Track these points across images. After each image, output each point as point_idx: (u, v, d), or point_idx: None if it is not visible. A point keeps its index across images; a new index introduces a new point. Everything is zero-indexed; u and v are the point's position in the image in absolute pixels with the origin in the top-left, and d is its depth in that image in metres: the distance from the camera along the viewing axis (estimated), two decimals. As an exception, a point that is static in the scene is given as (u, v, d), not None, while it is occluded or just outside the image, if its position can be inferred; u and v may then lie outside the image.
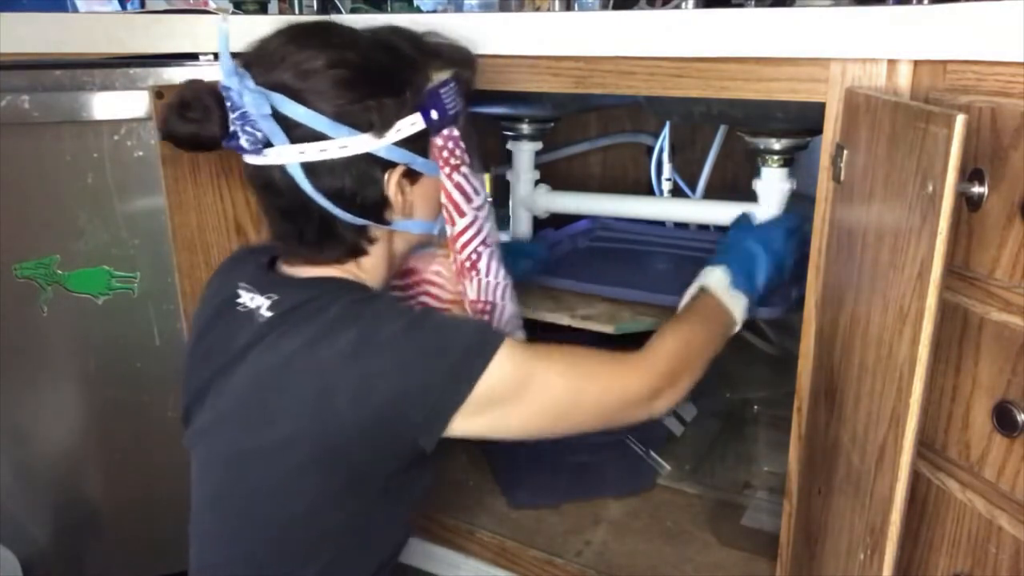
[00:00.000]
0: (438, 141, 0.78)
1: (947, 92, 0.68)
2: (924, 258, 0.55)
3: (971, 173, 0.62)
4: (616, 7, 1.02)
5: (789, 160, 1.05)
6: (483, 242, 0.86)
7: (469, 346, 0.70)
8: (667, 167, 1.35)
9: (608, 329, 1.01)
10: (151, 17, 1.11)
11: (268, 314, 0.74)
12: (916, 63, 0.71)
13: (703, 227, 1.35)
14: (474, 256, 0.85)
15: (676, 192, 1.38)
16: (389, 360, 0.69)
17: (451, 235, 0.83)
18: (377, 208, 0.77)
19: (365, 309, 0.72)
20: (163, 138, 0.75)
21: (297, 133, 0.71)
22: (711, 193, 1.36)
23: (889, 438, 0.60)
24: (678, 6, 0.97)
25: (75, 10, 1.41)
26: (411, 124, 0.75)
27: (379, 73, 0.74)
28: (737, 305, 0.89)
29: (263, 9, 1.25)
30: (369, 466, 0.72)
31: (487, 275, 0.87)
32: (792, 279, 0.97)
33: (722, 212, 1.14)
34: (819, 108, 0.77)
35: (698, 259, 1.23)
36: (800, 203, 1.06)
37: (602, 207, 1.23)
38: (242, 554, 0.75)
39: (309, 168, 0.72)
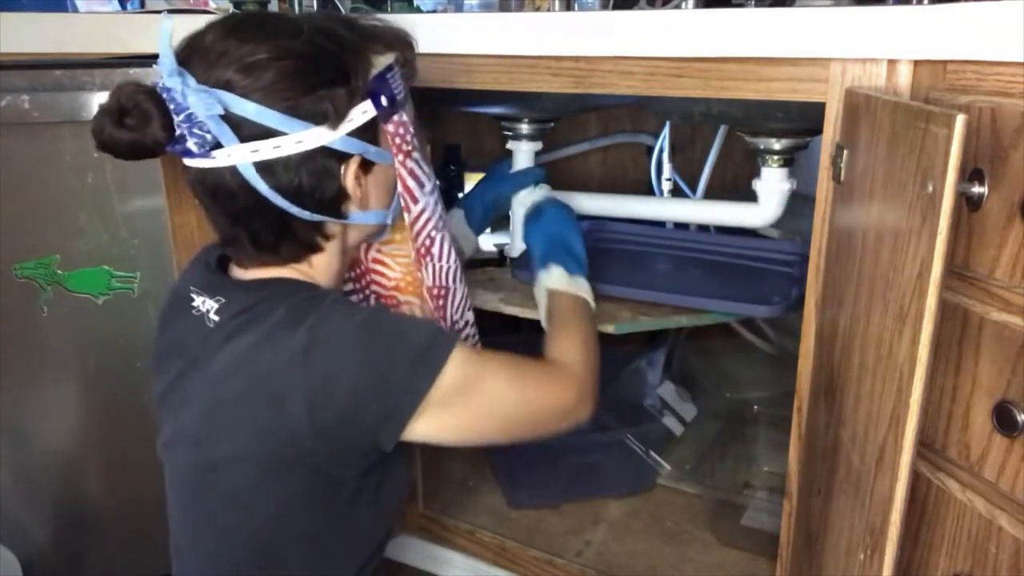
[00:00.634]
0: (389, 128, 0.75)
1: (947, 92, 0.68)
2: (924, 258, 0.55)
3: (971, 173, 0.62)
4: (616, 7, 1.02)
5: (789, 160, 1.05)
6: (435, 227, 0.85)
7: (425, 346, 0.69)
8: (667, 167, 1.35)
9: (609, 329, 1.01)
10: (151, 17, 1.11)
11: (216, 318, 0.72)
12: (916, 63, 0.71)
13: (703, 227, 1.35)
14: (427, 242, 0.85)
15: (676, 192, 1.37)
16: (342, 361, 0.67)
17: (407, 222, 0.82)
18: (335, 202, 0.74)
19: (312, 310, 0.69)
20: (99, 149, 0.68)
21: (247, 131, 0.68)
22: (711, 193, 1.36)
23: (889, 438, 0.60)
24: (678, 6, 0.97)
25: (75, 10, 1.41)
26: (362, 112, 0.72)
27: (327, 61, 0.71)
28: (584, 288, 0.97)
29: (260, 8, 1.25)
30: (333, 468, 0.70)
31: (439, 259, 0.87)
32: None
33: (722, 212, 1.14)
34: (819, 108, 0.77)
35: (698, 259, 1.24)
36: (798, 203, 1.06)
37: (602, 207, 1.22)
38: (218, 565, 0.74)
39: (263, 167, 0.69)
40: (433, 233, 0.85)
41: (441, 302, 0.89)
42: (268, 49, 0.68)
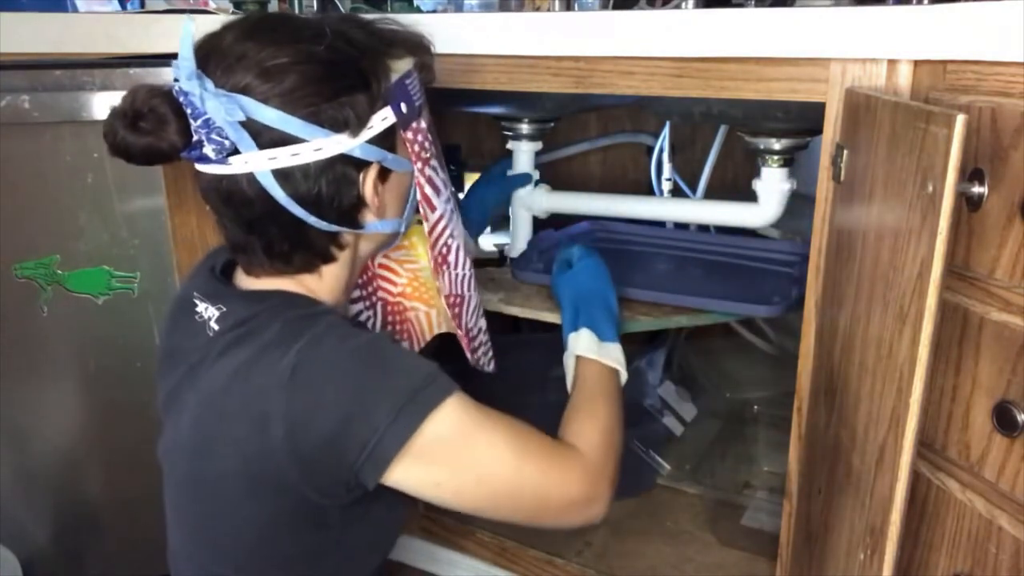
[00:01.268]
0: (407, 135, 0.73)
1: (947, 92, 0.68)
2: (924, 258, 0.55)
3: (971, 173, 0.62)
4: (616, 7, 1.02)
5: (789, 160, 1.05)
6: (451, 234, 0.83)
7: (418, 386, 0.65)
8: (667, 167, 1.35)
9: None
10: (151, 17, 1.11)
11: (216, 327, 0.71)
12: (916, 63, 0.71)
13: (703, 227, 1.35)
14: (444, 249, 0.83)
15: (676, 192, 1.37)
16: (327, 388, 0.64)
17: (426, 230, 0.80)
18: (352, 211, 0.72)
19: (306, 330, 0.66)
20: (112, 153, 0.66)
21: (265, 138, 0.66)
22: (711, 193, 1.36)
23: (889, 438, 0.60)
24: (678, 6, 0.97)
25: (75, 10, 1.41)
26: (382, 119, 0.70)
27: (348, 67, 0.69)
28: (615, 355, 0.87)
29: (263, 9, 1.25)
30: (316, 497, 0.67)
31: (456, 267, 0.85)
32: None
33: (722, 212, 1.14)
34: (819, 108, 0.77)
35: (698, 259, 1.24)
36: (798, 203, 1.07)
37: (602, 207, 1.22)
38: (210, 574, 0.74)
39: (281, 175, 0.67)
40: (450, 241, 0.83)
41: (457, 310, 0.87)
42: (289, 53, 0.66)
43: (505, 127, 1.22)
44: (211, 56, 0.66)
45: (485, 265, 1.19)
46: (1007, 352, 0.61)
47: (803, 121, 0.98)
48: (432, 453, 0.66)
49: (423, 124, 0.75)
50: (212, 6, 1.34)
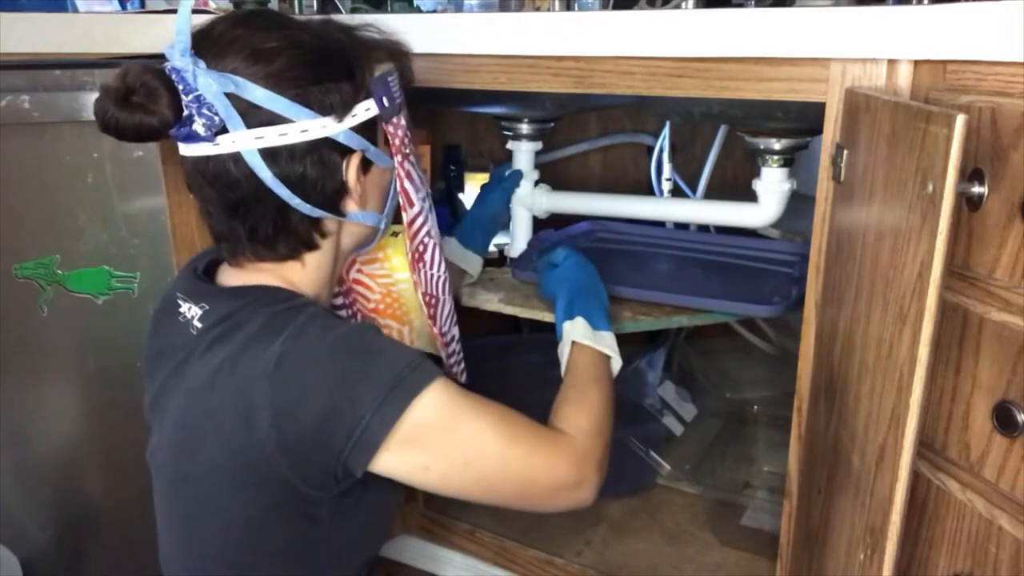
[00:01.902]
0: (389, 129, 0.76)
1: (947, 92, 0.68)
2: (924, 258, 0.55)
3: (971, 173, 0.62)
4: (616, 7, 1.02)
5: (789, 160, 1.05)
6: (428, 233, 0.85)
7: (403, 371, 0.66)
8: (667, 167, 1.35)
9: (608, 329, 1.01)
10: (151, 17, 1.11)
11: (199, 325, 0.71)
12: (916, 63, 0.71)
13: (703, 227, 1.35)
14: (420, 247, 0.85)
15: (676, 192, 1.37)
16: (312, 377, 0.65)
17: (405, 222, 0.82)
18: (336, 197, 0.74)
19: (289, 322, 0.67)
20: (102, 129, 0.67)
21: (253, 118, 0.67)
22: (711, 193, 1.36)
23: (889, 438, 0.60)
24: (678, 6, 0.96)
25: (75, 10, 1.41)
26: (365, 110, 0.73)
27: (334, 55, 0.72)
28: (608, 342, 0.89)
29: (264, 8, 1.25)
30: (305, 488, 0.67)
31: (431, 267, 0.87)
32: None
33: (722, 212, 1.14)
34: (819, 108, 0.77)
35: (698, 259, 1.24)
36: (798, 203, 1.07)
37: (602, 207, 1.23)
38: (198, 575, 0.74)
39: (267, 154, 0.68)
40: (426, 239, 0.85)
41: (432, 311, 0.89)
42: (278, 38, 0.69)
43: (505, 127, 1.22)
44: (203, 41, 0.68)
45: (485, 265, 1.19)
46: (1007, 352, 0.61)
47: (803, 121, 0.98)
48: (418, 438, 0.67)
49: (403, 122, 0.78)
50: (212, 6, 1.34)
